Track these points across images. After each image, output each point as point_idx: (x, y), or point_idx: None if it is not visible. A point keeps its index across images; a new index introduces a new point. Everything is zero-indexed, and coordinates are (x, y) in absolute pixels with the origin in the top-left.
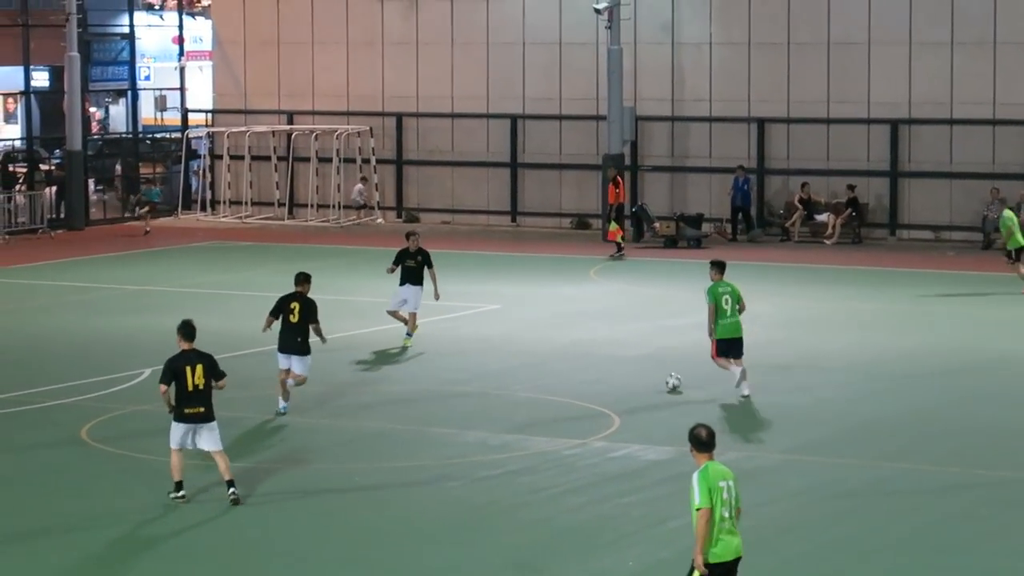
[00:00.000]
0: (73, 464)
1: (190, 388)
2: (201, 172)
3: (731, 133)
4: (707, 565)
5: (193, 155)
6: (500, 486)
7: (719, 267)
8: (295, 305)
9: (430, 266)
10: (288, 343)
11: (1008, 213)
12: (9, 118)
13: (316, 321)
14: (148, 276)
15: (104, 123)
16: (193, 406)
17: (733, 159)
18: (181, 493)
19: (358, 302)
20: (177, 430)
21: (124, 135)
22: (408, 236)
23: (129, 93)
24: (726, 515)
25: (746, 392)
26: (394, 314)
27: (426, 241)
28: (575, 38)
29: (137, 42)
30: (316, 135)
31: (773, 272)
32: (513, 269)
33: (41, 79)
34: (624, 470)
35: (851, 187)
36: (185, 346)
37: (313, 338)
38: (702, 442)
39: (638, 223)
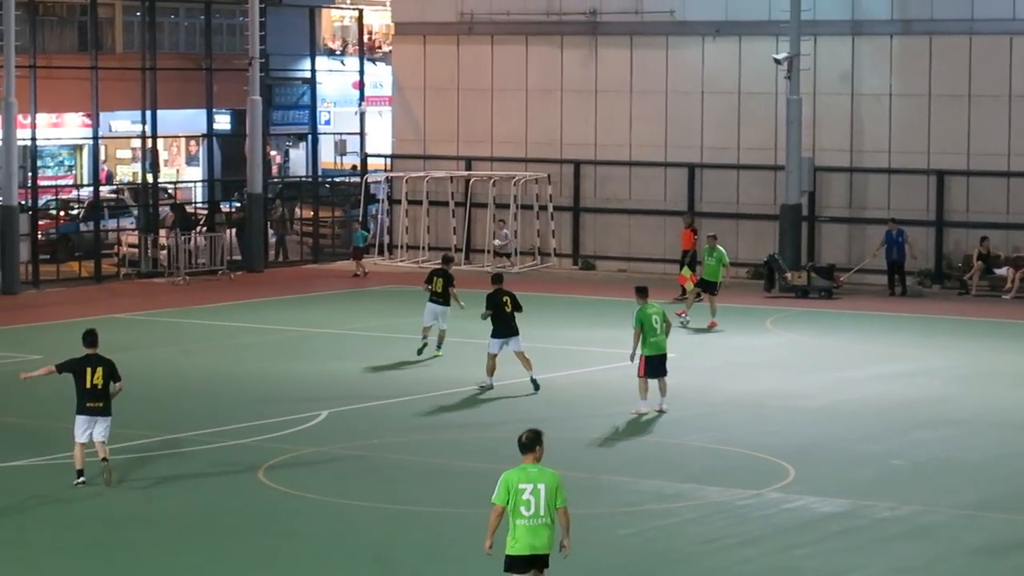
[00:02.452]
0: (248, 505)
1: (88, 385)
2: (379, 217)
3: (910, 185)
4: (508, 557)
5: (372, 199)
6: (674, 535)
7: (643, 292)
8: (506, 299)
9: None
10: (503, 330)
11: None
12: (191, 160)
13: (520, 308)
14: (324, 319)
15: (284, 167)
16: (94, 401)
17: (911, 211)
18: (82, 479)
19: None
20: (80, 423)
21: (304, 179)
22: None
23: (309, 137)
24: (525, 513)
25: (665, 407)
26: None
27: (601, 288)
28: (754, 88)
29: (318, 87)
30: (494, 181)
31: (950, 326)
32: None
33: (223, 122)
34: (799, 522)
35: None
36: (88, 351)
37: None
38: (522, 444)
39: (770, 273)
